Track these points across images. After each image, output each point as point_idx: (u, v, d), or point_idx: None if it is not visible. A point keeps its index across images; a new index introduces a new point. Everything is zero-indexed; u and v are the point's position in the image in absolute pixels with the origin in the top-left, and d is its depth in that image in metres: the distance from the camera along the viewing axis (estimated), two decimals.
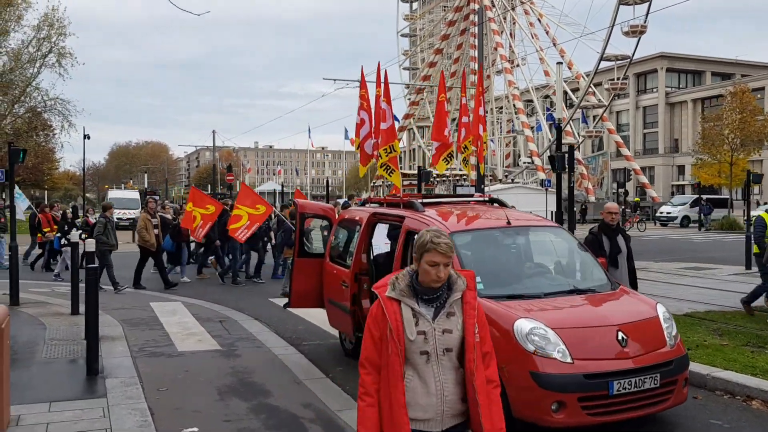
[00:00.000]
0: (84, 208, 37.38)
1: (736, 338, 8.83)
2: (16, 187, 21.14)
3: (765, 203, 41.70)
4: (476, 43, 54.93)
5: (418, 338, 3.06)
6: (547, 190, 37.15)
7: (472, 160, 12.53)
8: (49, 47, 37.80)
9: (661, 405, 5.58)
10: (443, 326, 3.09)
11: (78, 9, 78.19)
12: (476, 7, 54.47)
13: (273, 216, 16.05)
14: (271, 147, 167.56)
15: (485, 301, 5.27)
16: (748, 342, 8.61)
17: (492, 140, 51.95)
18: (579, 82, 53.34)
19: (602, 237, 8.03)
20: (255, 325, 10.54)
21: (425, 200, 7.75)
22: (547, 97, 57.06)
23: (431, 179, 41.76)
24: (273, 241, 16.63)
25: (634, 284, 7.98)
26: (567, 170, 13.96)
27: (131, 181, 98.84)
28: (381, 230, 8.48)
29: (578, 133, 55.05)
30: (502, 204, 8.08)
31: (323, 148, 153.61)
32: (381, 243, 8.64)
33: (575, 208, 35.63)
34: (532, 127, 54.16)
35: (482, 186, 28.84)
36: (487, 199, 8.30)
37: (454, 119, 66.42)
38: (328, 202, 30.43)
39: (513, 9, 57.36)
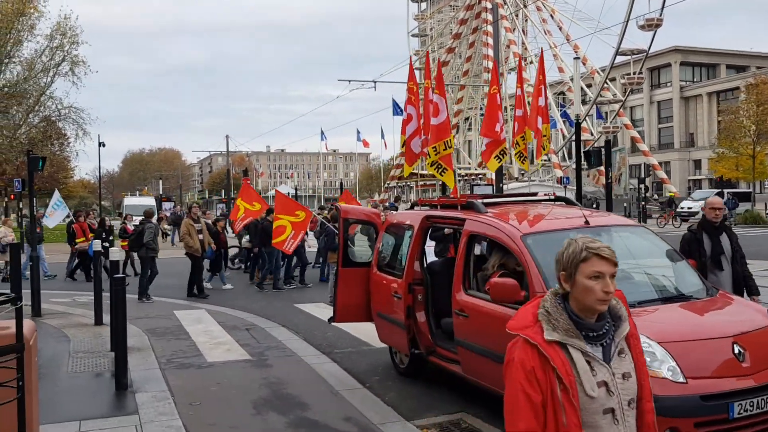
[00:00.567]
0: (116, 215, 37.27)
1: None
2: (58, 195, 21.14)
3: None
4: (488, 41, 54.54)
5: (600, 393, 2.29)
6: (565, 187, 36.70)
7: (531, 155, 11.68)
8: (62, 56, 37.76)
9: None
10: (621, 369, 2.36)
11: (86, 20, 78.81)
12: (488, 5, 54.16)
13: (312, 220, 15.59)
14: (282, 151, 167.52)
15: None
16: None
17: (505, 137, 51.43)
18: (594, 78, 52.76)
19: (702, 236, 6.94)
20: (283, 333, 10.24)
21: (486, 200, 6.98)
22: (561, 93, 56.51)
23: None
24: (308, 245, 16.14)
25: (739, 290, 6.80)
26: (604, 165, 13.50)
27: (146, 188, 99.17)
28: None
29: (594, 130, 54.46)
30: (570, 202, 7.35)
31: (335, 151, 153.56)
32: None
33: (593, 206, 35.07)
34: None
35: (501, 185, 28.47)
36: (552, 197, 7.41)
37: (467, 118, 66.11)
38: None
39: (525, 6, 56.86)
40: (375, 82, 33.39)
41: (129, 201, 51.90)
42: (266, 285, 15.49)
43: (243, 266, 19.17)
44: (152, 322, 11.23)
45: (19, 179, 19.80)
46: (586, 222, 6.04)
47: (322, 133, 67.13)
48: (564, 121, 53.78)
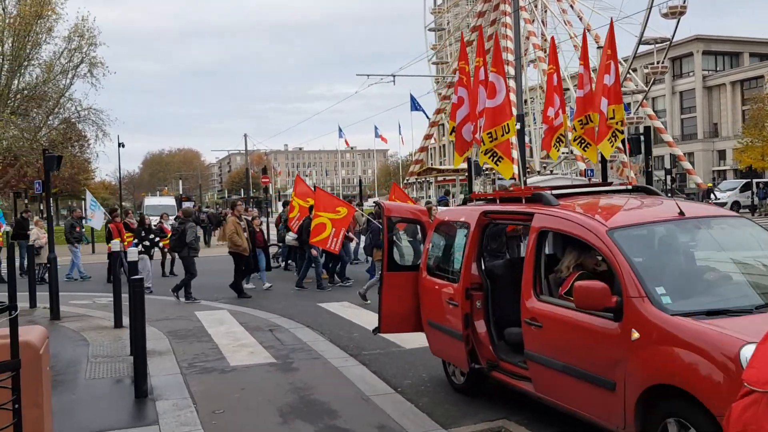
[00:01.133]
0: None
1: None
2: (91, 196, 21.18)
3: None
4: (508, 33, 53.77)
5: None
6: (590, 179, 36.00)
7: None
8: (81, 57, 37.80)
9: None
10: None
11: (104, 24, 79.40)
12: None
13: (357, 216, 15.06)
14: (300, 149, 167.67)
15: (684, 322, 4.24)
16: None
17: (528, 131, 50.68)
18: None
19: None
20: (308, 334, 9.86)
21: (555, 192, 6.09)
22: None
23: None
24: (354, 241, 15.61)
25: None
26: (644, 154, 12.96)
27: (166, 188, 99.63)
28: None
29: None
30: (650, 192, 6.39)
31: (352, 148, 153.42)
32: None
33: None
34: (568, 117, 52.77)
35: (524, 178, 27.91)
36: (629, 187, 6.52)
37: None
38: (361, 202, 29.65)
39: None
40: (394, 76, 33.08)
41: (149, 201, 52.01)
42: (307, 284, 15.00)
43: (284, 264, 18.81)
44: (173, 323, 10.91)
45: (39, 181, 19.72)
46: (681, 213, 5.26)
47: (340, 130, 66.83)
48: None
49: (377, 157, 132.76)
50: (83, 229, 19.45)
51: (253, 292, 14.31)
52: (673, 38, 48.54)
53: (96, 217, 19.75)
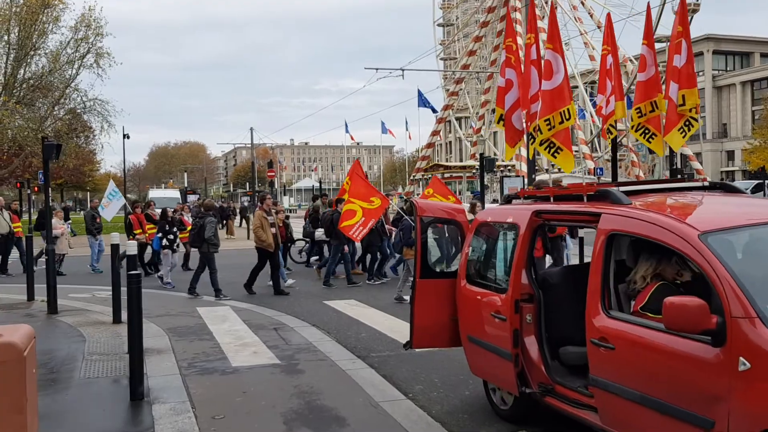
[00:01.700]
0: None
1: None
2: (113, 185, 20.54)
3: None
4: (518, 29, 53.23)
5: None
6: (599, 179, 35.55)
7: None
8: (87, 48, 37.59)
9: None
10: None
11: (113, 15, 79.27)
12: None
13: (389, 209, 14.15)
14: (306, 144, 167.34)
15: None
16: None
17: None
18: (626, 66, 51.24)
19: None
20: (313, 333, 9.47)
21: (622, 188, 5.18)
22: (593, 82, 55.04)
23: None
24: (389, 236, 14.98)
25: None
26: (669, 150, 12.48)
27: (172, 181, 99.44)
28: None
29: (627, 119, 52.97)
30: (731, 189, 5.55)
31: (358, 144, 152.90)
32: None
33: None
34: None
35: (533, 176, 27.40)
36: (705, 184, 5.64)
37: (494, 109, 65.09)
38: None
39: None
40: (403, 69, 32.57)
41: (153, 194, 51.75)
42: (335, 280, 14.57)
43: (306, 260, 18.40)
44: (174, 320, 10.53)
45: (41, 171, 19.38)
46: None
47: (347, 125, 66.45)
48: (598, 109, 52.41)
49: (383, 153, 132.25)
50: (101, 220, 18.94)
51: (255, 288, 13.76)
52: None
53: (110, 207, 19.16)
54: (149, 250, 16.90)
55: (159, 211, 16.53)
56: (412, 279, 6.67)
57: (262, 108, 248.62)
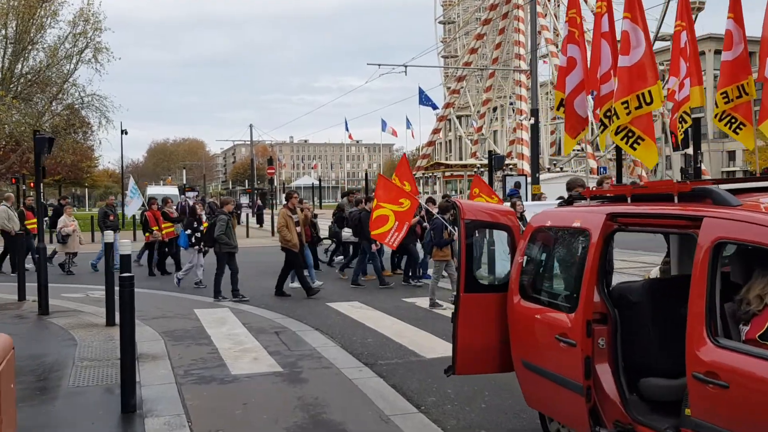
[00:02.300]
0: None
1: None
2: (133, 183, 20.59)
3: None
4: (520, 27, 52.82)
5: None
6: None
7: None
8: (86, 42, 37.08)
9: None
10: None
11: (112, 11, 78.50)
12: None
13: (420, 210, 13.36)
14: (305, 141, 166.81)
15: None
16: None
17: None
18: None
19: None
20: (317, 338, 9.01)
21: (724, 186, 4.19)
22: None
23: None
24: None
25: None
26: (693, 147, 12.01)
27: (170, 178, 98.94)
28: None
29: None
30: None
31: (358, 141, 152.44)
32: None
33: None
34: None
35: (537, 174, 26.90)
36: None
37: (496, 108, 64.33)
38: (368, 197, 28.49)
39: None
40: (406, 66, 32.14)
41: (152, 190, 51.33)
42: (363, 281, 14.04)
43: (331, 259, 17.86)
44: (170, 323, 10.07)
45: (40, 167, 18.97)
46: None
47: (346, 123, 65.98)
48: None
49: (383, 152, 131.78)
50: (116, 218, 18.45)
51: (258, 290, 13.29)
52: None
53: (132, 204, 19.35)
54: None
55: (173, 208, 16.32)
56: (455, 292, 5.62)
57: (261, 105, 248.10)
